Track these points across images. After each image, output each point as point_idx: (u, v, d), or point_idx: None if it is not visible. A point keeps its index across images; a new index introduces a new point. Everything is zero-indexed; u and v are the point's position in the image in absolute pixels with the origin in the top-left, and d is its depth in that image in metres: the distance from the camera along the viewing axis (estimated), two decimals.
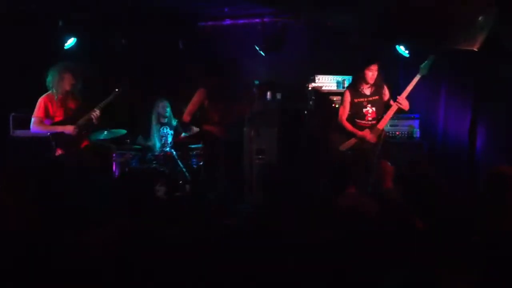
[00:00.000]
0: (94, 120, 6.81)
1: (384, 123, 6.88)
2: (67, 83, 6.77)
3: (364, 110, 6.89)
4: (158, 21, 8.54)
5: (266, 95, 8.34)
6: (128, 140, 8.07)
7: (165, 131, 8.14)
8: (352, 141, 6.85)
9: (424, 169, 5.65)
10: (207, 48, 8.92)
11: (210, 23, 9.20)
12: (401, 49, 7.67)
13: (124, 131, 7.71)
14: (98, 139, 7.33)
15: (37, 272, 3.13)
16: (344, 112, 6.95)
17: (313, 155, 7.76)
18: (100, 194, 5.64)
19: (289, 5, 7.24)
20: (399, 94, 6.77)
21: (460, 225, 3.82)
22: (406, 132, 7.97)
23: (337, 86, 8.27)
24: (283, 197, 4.28)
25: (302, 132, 8.16)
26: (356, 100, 6.91)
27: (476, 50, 6.12)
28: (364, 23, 6.48)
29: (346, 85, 7.95)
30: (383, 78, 6.95)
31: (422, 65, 6.66)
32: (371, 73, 6.79)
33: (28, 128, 6.82)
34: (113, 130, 7.49)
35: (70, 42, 7.84)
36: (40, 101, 6.73)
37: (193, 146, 8.15)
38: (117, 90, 6.97)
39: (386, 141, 6.96)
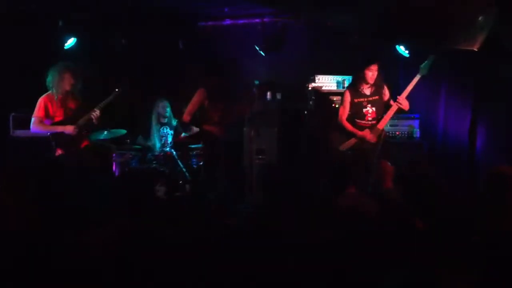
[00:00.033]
0: (94, 120, 6.81)
1: (384, 123, 6.88)
2: (67, 83, 6.77)
3: (364, 110, 6.89)
4: (158, 21, 8.54)
5: (266, 95, 8.34)
6: (128, 140, 8.07)
7: (165, 131, 8.15)
8: (352, 141, 6.85)
9: (424, 169, 5.66)
10: (207, 48, 8.92)
11: (210, 23, 9.20)
12: (401, 49, 7.67)
13: (124, 131, 7.71)
14: (98, 139, 7.32)
15: (37, 272, 3.13)
16: (344, 112, 6.95)
17: (313, 155, 7.76)
18: (100, 194, 5.64)
19: (289, 5, 7.24)
20: (399, 94, 6.77)
21: (460, 225, 3.82)
22: (406, 132, 7.97)
23: (337, 86, 8.27)
24: (283, 197, 4.28)
25: (302, 132, 8.16)
26: (356, 100, 6.91)
27: (476, 50, 6.12)
28: (364, 23, 6.48)
29: (346, 85, 7.95)
30: (383, 78, 6.95)
31: (422, 65, 6.66)
32: (371, 73, 6.79)
33: (28, 128, 6.82)
34: (113, 130, 7.48)
35: (70, 42, 7.84)
36: (40, 101, 6.73)
37: (193, 146, 8.15)
38: (117, 90, 6.97)
39: (386, 141, 6.97)
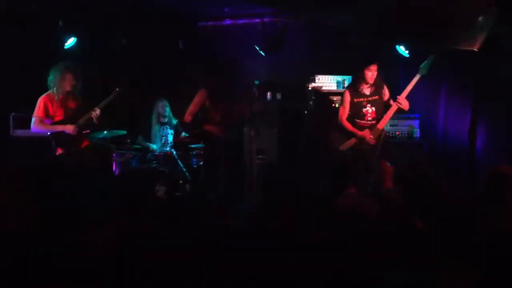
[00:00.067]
0: (94, 120, 6.81)
1: (384, 123, 6.88)
2: (68, 84, 6.77)
3: (364, 110, 6.88)
4: (158, 21, 8.54)
5: (266, 95, 8.34)
6: (128, 140, 8.08)
7: (165, 131, 8.16)
8: (352, 141, 6.85)
9: (424, 169, 5.66)
10: (207, 48, 8.92)
11: (210, 23, 9.20)
12: (401, 49, 7.67)
13: (124, 132, 7.73)
14: (98, 139, 7.33)
15: (37, 272, 3.13)
16: (344, 112, 6.95)
17: (313, 155, 7.76)
18: (100, 194, 5.65)
19: (289, 5, 7.23)
20: (399, 94, 6.77)
21: (460, 225, 3.82)
22: (406, 132, 7.97)
23: (337, 86, 8.27)
24: (283, 197, 4.28)
25: (302, 132, 8.15)
26: (356, 100, 6.91)
27: (476, 50, 6.12)
28: (364, 23, 6.48)
29: (346, 85, 7.94)
30: (383, 78, 6.94)
31: (421, 65, 6.66)
32: (371, 73, 6.79)
33: (28, 127, 6.81)
34: (113, 131, 7.50)
35: (70, 41, 7.84)
36: (40, 100, 6.73)
37: (193, 146, 8.16)
38: (117, 89, 6.96)
39: (386, 141, 6.96)
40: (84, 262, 3.20)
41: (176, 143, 8.24)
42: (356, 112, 6.91)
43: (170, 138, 8.18)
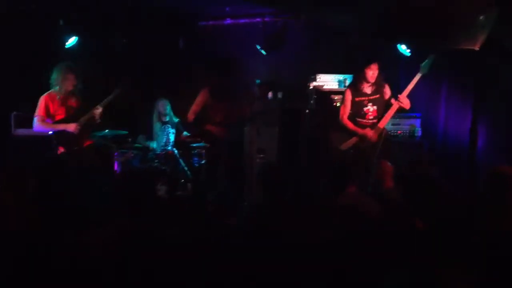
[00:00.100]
0: (96, 118, 6.81)
1: (385, 122, 6.87)
2: (69, 83, 6.77)
3: (365, 109, 6.88)
4: (158, 21, 8.54)
5: (267, 94, 8.33)
6: (130, 139, 8.09)
7: (166, 130, 8.15)
8: (353, 140, 6.84)
9: (425, 169, 5.66)
10: (208, 47, 8.93)
11: (211, 22, 9.20)
12: (402, 48, 7.66)
13: (125, 132, 7.74)
14: (100, 137, 7.33)
15: (37, 272, 3.13)
16: (345, 111, 6.94)
17: (314, 155, 7.76)
18: (101, 193, 5.65)
19: (289, 4, 7.23)
20: (400, 93, 6.77)
21: (460, 225, 3.82)
22: (407, 131, 7.96)
23: (338, 85, 8.26)
24: (283, 196, 4.28)
25: (302, 131, 8.15)
26: (357, 99, 6.90)
27: (477, 49, 6.11)
28: (364, 23, 6.48)
29: (347, 84, 7.93)
30: (384, 77, 6.94)
31: (422, 64, 6.65)
32: (372, 72, 6.78)
33: (30, 127, 6.82)
34: (114, 130, 7.51)
35: (72, 41, 7.84)
36: (41, 100, 6.73)
37: (194, 145, 8.15)
38: (118, 88, 6.96)
39: (387, 139, 6.95)
40: (84, 262, 3.21)
41: (178, 142, 8.24)
42: (357, 111, 6.90)
43: (172, 137, 8.18)
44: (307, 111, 8.17)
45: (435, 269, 3.13)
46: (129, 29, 8.37)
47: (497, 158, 6.85)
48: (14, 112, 7.52)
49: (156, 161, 7.93)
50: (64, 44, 7.76)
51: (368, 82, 6.84)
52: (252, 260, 3.30)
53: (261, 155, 7.85)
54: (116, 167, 7.69)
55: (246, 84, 7.72)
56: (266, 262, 3.25)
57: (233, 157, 7.23)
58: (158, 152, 8.01)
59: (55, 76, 6.76)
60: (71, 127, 6.71)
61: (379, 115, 6.88)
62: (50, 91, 6.78)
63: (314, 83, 8.23)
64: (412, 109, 7.00)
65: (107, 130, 7.43)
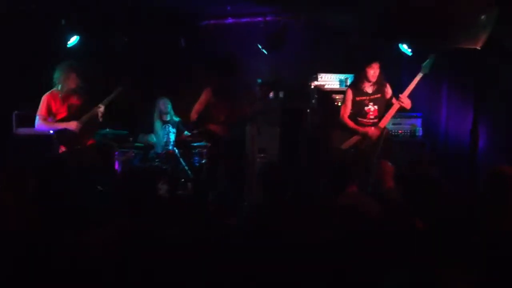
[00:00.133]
0: (98, 116, 6.80)
1: (386, 122, 6.87)
2: (72, 82, 6.77)
3: (366, 108, 6.88)
4: (159, 21, 8.54)
5: (268, 93, 8.32)
6: (131, 139, 8.11)
7: (167, 129, 8.16)
8: (354, 139, 6.84)
9: (425, 169, 5.66)
10: (208, 47, 8.93)
11: (212, 21, 9.21)
12: (404, 48, 7.65)
13: (125, 132, 7.76)
14: (101, 136, 7.34)
15: (37, 272, 3.13)
16: (346, 111, 6.94)
17: (314, 155, 7.75)
18: (101, 193, 5.65)
19: (290, 4, 7.24)
20: (401, 92, 6.77)
21: (460, 225, 3.81)
22: (408, 131, 7.96)
23: (339, 84, 8.26)
24: (283, 196, 4.28)
25: (303, 131, 8.15)
26: (358, 99, 6.90)
27: (479, 48, 6.11)
28: (364, 23, 6.48)
29: (348, 83, 7.92)
30: (385, 76, 6.93)
31: (423, 64, 6.66)
32: (373, 71, 6.78)
33: (31, 126, 6.83)
34: (115, 130, 7.53)
35: (73, 40, 7.85)
36: (43, 99, 6.73)
37: (195, 144, 8.16)
38: (120, 87, 6.96)
39: (389, 139, 6.95)
40: (84, 262, 3.21)
41: (178, 142, 8.24)
42: (358, 111, 6.90)
43: (172, 137, 8.19)
44: (308, 110, 8.17)
45: (435, 269, 3.13)
46: (130, 29, 8.39)
47: (497, 158, 6.85)
48: (16, 111, 7.53)
49: (157, 160, 7.95)
50: (65, 44, 7.79)
51: (369, 81, 6.84)
52: (252, 260, 3.30)
53: (262, 155, 7.85)
54: (116, 166, 7.70)
55: (246, 84, 7.70)
56: (266, 262, 3.25)
57: (234, 156, 7.21)
58: (159, 152, 8.02)
59: (57, 75, 6.76)
60: (72, 125, 6.72)
61: (380, 115, 6.88)
62: (52, 90, 6.79)
63: (316, 83, 8.23)
64: (413, 108, 7.01)
65: (108, 129, 7.44)
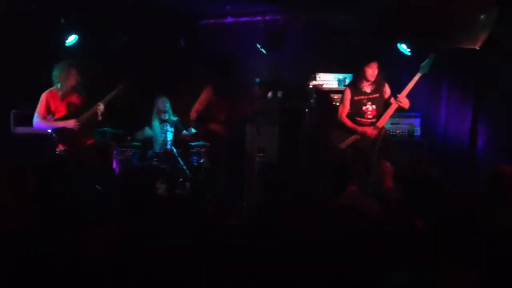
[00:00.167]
0: (98, 114, 6.76)
1: (384, 121, 6.87)
2: (72, 79, 6.73)
3: (364, 108, 6.87)
4: (158, 20, 8.54)
5: (267, 93, 8.32)
6: (129, 138, 8.10)
7: (165, 128, 8.15)
8: (352, 138, 6.84)
9: (425, 168, 5.66)
10: (208, 46, 8.92)
11: (211, 21, 9.20)
12: (403, 47, 7.65)
13: (120, 132, 7.77)
14: (100, 133, 7.33)
15: (37, 272, 3.13)
16: (344, 110, 6.94)
17: (314, 154, 7.75)
18: (101, 193, 5.65)
19: (289, 4, 7.24)
20: (400, 92, 6.76)
21: (460, 225, 3.81)
22: (406, 131, 7.95)
23: (338, 84, 8.26)
24: (283, 196, 4.28)
25: (303, 130, 8.15)
26: (356, 98, 6.90)
27: (478, 48, 6.11)
28: (364, 23, 6.49)
29: (347, 83, 7.92)
30: (384, 76, 6.93)
31: (422, 64, 6.65)
32: (371, 71, 6.78)
33: (29, 125, 6.81)
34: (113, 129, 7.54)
35: (72, 39, 7.84)
36: (42, 97, 6.70)
37: (193, 143, 8.16)
38: (120, 85, 6.93)
39: (386, 138, 6.95)
40: (84, 262, 3.20)
41: (176, 141, 8.24)
42: (356, 110, 6.90)
43: (170, 136, 8.18)
44: (306, 110, 8.16)
45: (435, 269, 3.13)
46: (129, 29, 8.38)
47: (497, 158, 6.86)
48: (14, 110, 7.53)
49: (155, 159, 7.95)
50: (64, 43, 7.77)
51: (367, 80, 6.83)
52: (252, 260, 3.29)
53: (261, 155, 7.84)
54: (115, 165, 7.69)
55: (246, 84, 7.70)
56: (266, 262, 3.25)
57: (234, 156, 7.20)
58: (157, 151, 8.02)
59: (56, 73, 6.72)
60: (71, 123, 6.67)
61: (378, 114, 6.88)
62: (51, 88, 6.75)
63: (314, 82, 8.22)
64: (411, 108, 7.01)
65: (106, 128, 7.43)
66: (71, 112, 6.75)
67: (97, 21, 8.07)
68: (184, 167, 7.94)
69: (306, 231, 3.67)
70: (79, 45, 7.90)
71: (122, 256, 3.22)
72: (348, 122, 6.87)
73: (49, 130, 6.69)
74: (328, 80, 8.28)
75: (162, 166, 7.81)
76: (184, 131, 8.21)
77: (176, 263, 3.21)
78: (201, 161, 7.97)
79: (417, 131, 7.92)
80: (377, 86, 6.89)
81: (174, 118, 8.22)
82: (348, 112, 6.93)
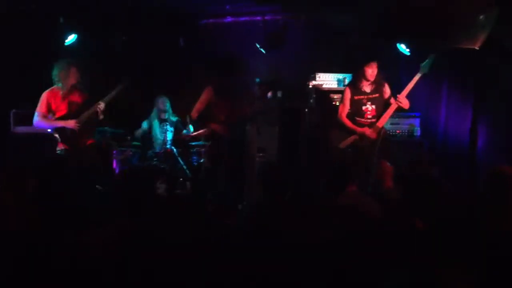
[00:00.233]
0: (99, 113, 6.74)
1: (384, 121, 6.86)
2: (73, 77, 6.71)
3: (364, 107, 6.87)
4: (158, 20, 8.54)
5: (267, 93, 8.32)
6: (129, 137, 8.10)
7: (164, 128, 8.15)
8: (352, 138, 6.84)
9: (425, 168, 5.66)
10: (208, 46, 8.92)
11: (211, 20, 9.21)
12: (402, 47, 7.65)
13: (120, 131, 7.77)
14: (100, 133, 7.33)
15: (37, 272, 3.13)
16: (344, 110, 6.94)
17: (314, 154, 7.75)
18: (101, 193, 5.64)
19: (289, 4, 7.24)
20: (400, 92, 6.76)
21: (460, 225, 3.81)
22: (406, 131, 7.96)
23: (337, 84, 8.27)
24: (283, 196, 4.28)
25: (302, 130, 8.15)
26: (356, 98, 6.89)
27: (478, 48, 6.11)
28: (364, 23, 6.49)
29: (346, 83, 7.93)
30: (384, 76, 6.93)
31: (422, 64, 6.65)
32: (371, 70, 6.78)
33: (29, 124, 6.80)
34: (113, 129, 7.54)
35: (71, 38, 7.84)
36: (43, 96, 6.67)
37: (193, 143, 8.16)
38: (122, 84, 6.91)
39: (386, 138, 6.95)
40: (84, 262, 3.20)
41: (177, 141, 8.24)
42: (356, 110, 6.90)
43: (169, 136, 8.18)
44: (306, 110, 8.16)
45: (435, 269, 3.13)
46: (129, 29, 8.39)
47: (497, 158, 6.86)
48: (13, 110, 7.53)
49: (155, 159, 7.95)
50: (64, 42, 7.76)
51: (367, 80, 6.83)
52: (252, 260, 3.29)
53: (261, 155, 7.85)
54: (115, 165, 7.69)
55: (246, 84, 7.70)
56: (266, 262, 3.24)
57: (234, 156, 7.21)
58: (157, 151, 8.02)
59: (56, 72, 6.69)
60: (71, 123, 6.64)
61: (378, 114, 6.87)
62: (53, 87, 6.73)
63: (314, 82, 8.22)
64: (411, 108, 7.01)
65: (106, 127, 7.43)
66: (73, 111, 6.72)
67: (97, 21, 8.07)
68: (184, 167, 7.95)
69: (306, 231, 3.66)
70: (79, 45, 7.90)
71: (122, 256, 3.22)
72: (347, 123, 6.87)
73: (49, 130, 6.68)
74: (327, 80, 8.29)
75: (162, 166, 7.81)
76: (185, 131, 8.20)
77: (176, 263, 3.21)
78: (201, 161, 7.97)
79: (417, 131, 7.93)
80: (377, 86, 6.89)
81: (174, 119, 8.22)
82: (348, 112, 6.93)
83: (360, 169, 5.90)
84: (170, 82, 8.91)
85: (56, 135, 6.62)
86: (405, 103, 6.75)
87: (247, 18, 9.04)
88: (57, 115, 6.68)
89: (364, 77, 6.83)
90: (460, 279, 3.18)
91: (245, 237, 3.82)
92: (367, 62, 6.77)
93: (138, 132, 8.24)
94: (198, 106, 7.35)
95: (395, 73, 7.88)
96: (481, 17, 5.92)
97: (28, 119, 6.83)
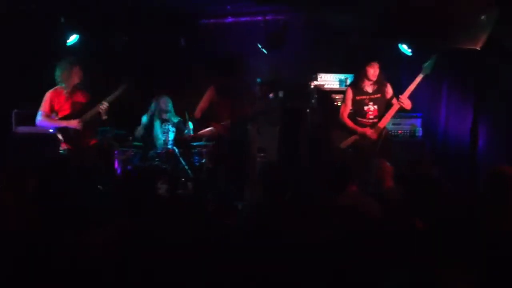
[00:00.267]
0: (102, 113, 6.73)
1: (386, 122, 6.86)
2: (76, 76, 6.70)
3: (366, 107, 6.87)
4: (159, 20, 8.55)
5: (268, 93, 8.32)
6: (130, 138, 8.10)
7: (166, 128, 8.15)
8: (353, 138, 6.84)
9: (425, 169, 5.65)
10: (208, 46, 8.92)
11: (212, 20, 9.21)
12: (404, 48, 7.65)
13: (122, 132, 7.77)
14: (101, 132, 7.33)
15: (37, 272, 3.13)
16: (346, 110, 6.94)
17: (314, 154, 7.75)
18: (102, 193, 5.64)
19: (289, 4, 7.24)
20: (401, 93, 6.76)
21: (460, 225, 3.81)
22: (408, 131, 7.96)
23: (339, 84, 8.27)
24: (283, 196, 4.29)
25: (303, 131, 8.15)
26: (358, 98, 6.89)
27: (479, 49, 6.11)
28: (365, 23, 6.49)
29: (348, 83, 7.92)
30: (386, 76, 6.93)
31: (425, 65, 6.64)
32: (373, 70, 6.78)
33: (31, 124, 6.79)
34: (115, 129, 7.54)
35: (73, 38, 7.84)
36: (46, 95, 6.64)
37: (195, 143, 8.16)
38: (125, 84, 6.89)
39: (388, 139, 6.95)
40: (84, 262, 3.21)
41: (178, 141, 8.24)
42: (358, 110, 6.90)
43: (171, 136, 8.18)
44: (308, 110, 8.16)
45: (435, 269, 3.13)
46: (130, 29, 8.39)
47: (497, 158, 6.86)
48: (15, 110, 7.53)
49: (156, 159, 7.94)
50: (65, 43, 7.77)
51: (369, 80, 6.83)
52: (252, 260, 3.29)
53: (262, 155, 7.85)
54: (116, 165, 7.70)
55: (246, 84, 7.71)
56: (266, 262, 3.25)
57: (235, 156, 7.21)
58: (159, 151, 8.02)
59: (58, 73, 6.66)
60: (73, 123, 6.63)
61: (380, 115, 6.87)
62: (56, 87, 6.71)
63: (315, 82, 8.23)
64: (413, 108, 7.01)
65: (108, 127, 7.44)
66: (76, 111, 6.69)
67: (97, 21, 8.07)
68: (186, 167, 7.94)
69: (306, 231, 3.67)
70: (79, 45, 7.90)
71: (122, 256, 3.22)
72: (349, 123, 6.87)
73: (51, 130, 6.69)
74: (329, 80, 8.30)
75: (164, 166, 7.81)
76: (186, 131, 8.20)
77: (176, 263, 3.21)
78: (203, 161, 7.96)
79: (419, 132, 7.93)
80: (379, 86, 6.89)
81: (175, 120, 8.22)
82: (350, 112, 6.93)
83: (361, 169, 5.89)
84: (171, 82, 8.91)
85: (59, 135, 6.61)
86: (407, 104, 6.75)
87: (247, 18, 9.04)
88: (60, 115, 6.67)
89: (366, 77, 6.82)
90: (460, 279, 3.18)
91: (245, 237, 3.82)
92: (368, 62, 6.77)
93: (139, 130, 8.23)
94: (201, 105, 7.36)
95: (396, 73, 7.88)
96: (482, 17, 5.93)
97: (29, 119, 6.82)
